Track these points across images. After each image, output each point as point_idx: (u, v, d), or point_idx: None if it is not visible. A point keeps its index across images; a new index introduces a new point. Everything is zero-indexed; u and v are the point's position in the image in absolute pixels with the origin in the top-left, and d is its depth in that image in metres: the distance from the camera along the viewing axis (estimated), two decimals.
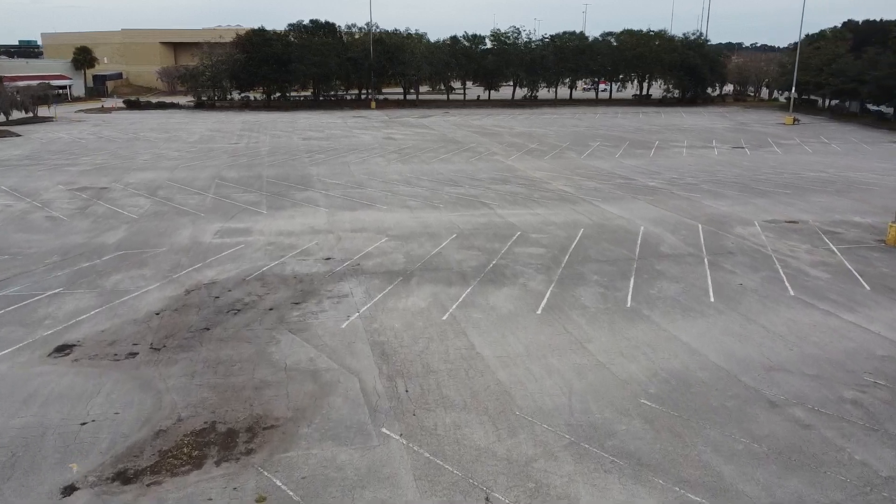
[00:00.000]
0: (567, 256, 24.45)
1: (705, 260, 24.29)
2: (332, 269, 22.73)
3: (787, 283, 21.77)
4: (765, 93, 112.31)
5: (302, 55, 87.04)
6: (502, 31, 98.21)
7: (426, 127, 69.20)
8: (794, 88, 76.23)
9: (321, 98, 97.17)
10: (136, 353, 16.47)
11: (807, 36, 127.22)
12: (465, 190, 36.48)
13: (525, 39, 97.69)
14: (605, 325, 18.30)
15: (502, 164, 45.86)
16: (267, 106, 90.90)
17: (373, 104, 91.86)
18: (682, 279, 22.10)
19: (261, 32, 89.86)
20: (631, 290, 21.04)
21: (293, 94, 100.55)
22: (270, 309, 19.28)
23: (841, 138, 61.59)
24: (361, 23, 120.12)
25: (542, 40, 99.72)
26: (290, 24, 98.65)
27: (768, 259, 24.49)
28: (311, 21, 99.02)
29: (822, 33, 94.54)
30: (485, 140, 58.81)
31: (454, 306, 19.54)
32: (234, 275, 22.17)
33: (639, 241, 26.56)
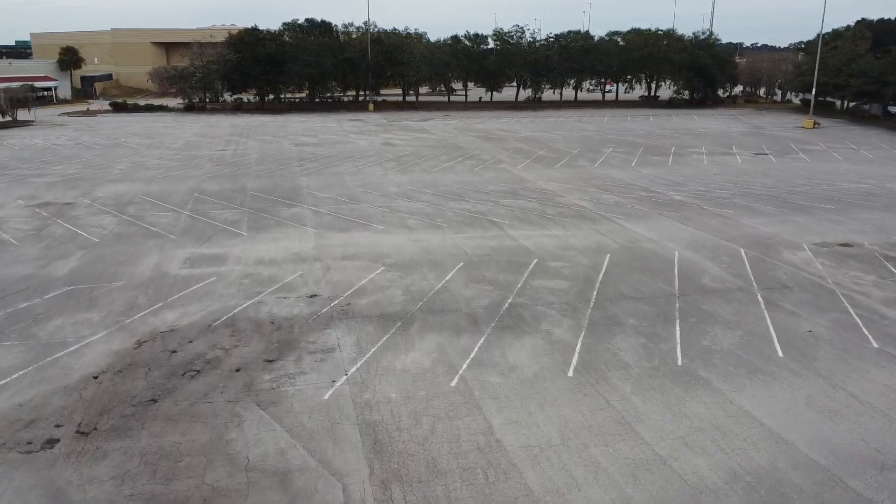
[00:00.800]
0: (595, 292, 20.72)
1: (759, 296, 20.56)
2: (318, 311, 18.99)
3: (865, 331, 18.04)
4: (775, 94, 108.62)
5: (296, 55, 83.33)
6: (505, 30, 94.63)
7: (426, 131, 65.46)
8: (814, 90, 72.48)
9: (317, 100, 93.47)
10: (57, 441, 12.73)
11: (818, 35, 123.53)
12: (471, 205, 32.73)
13: (529, 39, 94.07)
14: (655, 394, 14.56)
15: (510, 173, 42.12)
16: (260, 108, 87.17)
17: (370, 106, 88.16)
18: (737, 324, 18.37)
19: (253, 32, 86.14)
20: (679, 340, 17.32)
21: (287, 95, 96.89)
22: (237, 370, 15.54)
23: (868, 143, 57.89)
24: (359, 22, 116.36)
25: (546, 40, 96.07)
26: (284, 24, 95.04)
27: (832, 295, 20.76)
28: (307, 20, 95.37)
29: (835, 32, 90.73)
30: (489, 146, 55.08)
31: (465, 365, 15.81)
32: (198, 318, 18.44)
33: (676, 271, 22.83)
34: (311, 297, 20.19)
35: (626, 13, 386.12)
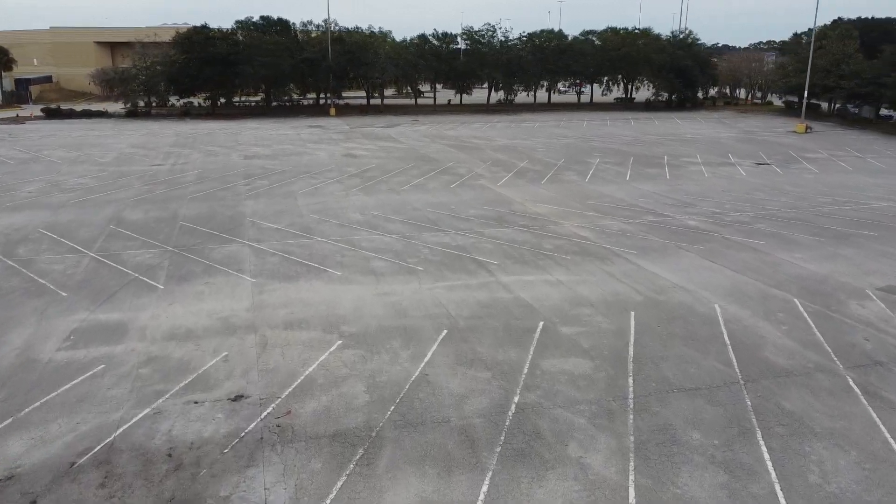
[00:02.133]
0: (631, 379, 15.13)
1: (850, 381, 15.19)
2: (241, 430, 13.03)
3: None
4: (757, 96, 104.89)
5: (251, 56, 76.57)
6: (475, 29, 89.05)
7: (393, 139, 59.49)
8: (805, 93, 68.30)
9: (274, 104, 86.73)
10: None
11: (795, 34, 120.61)
12: (450, 238, 26.95)
13: (501, 38, 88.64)
14: None
15: (491, 192, 36.45)
16: (211, 114, 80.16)
17: (332, 111, 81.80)
18: (843, 436, 12.94)
19: (202, 30, 79.08)
20: (774, 474, 11.78)
21: (242, 99, 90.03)
22: None
23: (871, 150, 53.63)
24: (319, 20, 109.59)
25: (519, 39, 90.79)
26: (237, 22, 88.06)
27: None
28: (262, 18, 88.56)
29: (822, 30, 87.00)
30: (464, 157, 49.37)
31: None
32: (58, 451, 12.34)
33: (727, 338, 17.36)
34: (235, 399, 14.19)
35: (593, 13, 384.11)
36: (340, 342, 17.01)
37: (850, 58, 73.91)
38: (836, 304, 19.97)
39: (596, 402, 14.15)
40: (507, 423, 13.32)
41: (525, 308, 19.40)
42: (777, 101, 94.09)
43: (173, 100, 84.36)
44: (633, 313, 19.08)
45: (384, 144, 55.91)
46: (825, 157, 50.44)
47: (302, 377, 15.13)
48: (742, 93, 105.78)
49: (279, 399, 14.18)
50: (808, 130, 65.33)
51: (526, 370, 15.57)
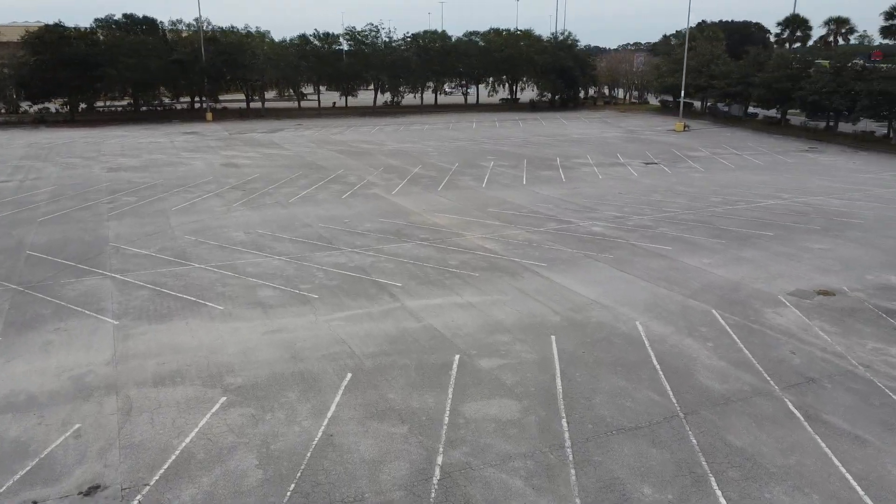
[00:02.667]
0: (565, 422, 13.47)
1: (789, 404, 14.27)
2: None
3: None
4: (635, 96, 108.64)
5: (113, 57, 70.10)
6: (358, 29, 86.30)
7: (277, 145, 55.88)
8: (682, 93, 70.74)
9: (144, 108, 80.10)
10: None
11: (664, 36, 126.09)
12: (347, 257, 24.54)
13: (385, 39, 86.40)
14: None
15: (387, 202, 34.24)
16: (70, 121, 72.81)
17: (209, 115, 76.50)
18: (799, 475, 11.82)
19: (56, 29, 71.59)
20: None
21: (108, 103, 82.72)
22: None
23: (747, 147, 55.90)
24: (189, 19, 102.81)
25: (403, 40, 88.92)
26: (97, 20, 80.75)
27: (876, 390, 14.94)
28: (125, 16, 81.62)
29: (679, 34, 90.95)
30: (354, 163, 46.83)
31: None
32: None
33: (656, 363, 16.13)
34: (89, 493, 11.25)
35: (472, 13, 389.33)
36: (224, 399, 14.29)
37: (718, 58, 77.47)
38: (753, 314, 19.34)
39: (531, 456, 12.34)
40: (433, 496, 11.23)
41: (437, 339, 17.40)
42: (654, 101, 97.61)
43: (25, 106, 76.09)
44: (553, 338, 17.53)
45: (268, 151, 52.30)
46: (707, 155, 51.94)
47: (177, 452, 12.35)
48: (620, 92, 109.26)
49: (147, 487, 11.37)
50: (686, 129, 67.65)
51: (447, 420, 13.54)
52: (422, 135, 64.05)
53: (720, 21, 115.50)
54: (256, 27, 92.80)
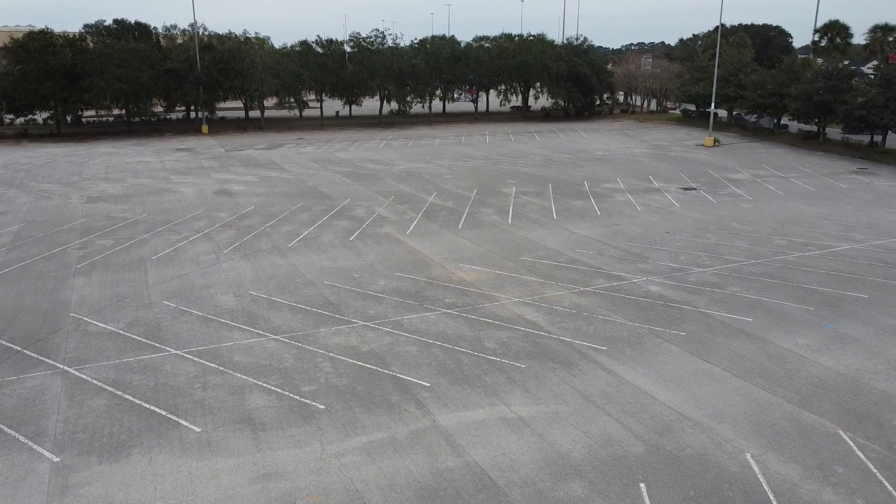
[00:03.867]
0: None
1: None
2: None
3: None
4: (661, 104, 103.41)
5: (102, 66, 65.52)
6: (363, 35, 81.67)
7: (276, 166, 51.26)
8: (713, 105, 65.93)
9: (136, 120, 75.41)
10: None
11: (682, 41, 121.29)
12: (358, 336, 19.92)
13: (391, 44, 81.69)
14: None
15: (402, 246, 29.63)
16: (56, 134, 68.24)
17: (204, 128, 71.89)
18: None
19: (40, 37, 66.99)
20: None
21: (98, 115, 78.14)
22: None
23: (790, 168, 51.17)
24: (184, 24, 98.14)
25: (411, 46, 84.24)
26: (86, 26, 76.16)
27: None
28: (116, 21, 77.00)
29: (696, 38, 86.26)
30: (362, 190, 42.24)
31: None
32: None
33: None
34: None
35: (475, 14, 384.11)
36: None
37: (746, 66, 72.80)
38: (894, 436, 14.73)
39: None
40: None
41: (487, 490, 12.79)
42: (676, 111, 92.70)
43: (9, 118, 71.55)
44: (643, 487, 12.92)
45: (266, 174, 47.68)
46: (749, 178, 47.24)
47: None
48: (637, 99, 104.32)
49: None
50: (717, 144, 62.97)
51: None
52: (433, 151, 59.38)
53: (739, 24, 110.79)
54: (256, 33, 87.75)
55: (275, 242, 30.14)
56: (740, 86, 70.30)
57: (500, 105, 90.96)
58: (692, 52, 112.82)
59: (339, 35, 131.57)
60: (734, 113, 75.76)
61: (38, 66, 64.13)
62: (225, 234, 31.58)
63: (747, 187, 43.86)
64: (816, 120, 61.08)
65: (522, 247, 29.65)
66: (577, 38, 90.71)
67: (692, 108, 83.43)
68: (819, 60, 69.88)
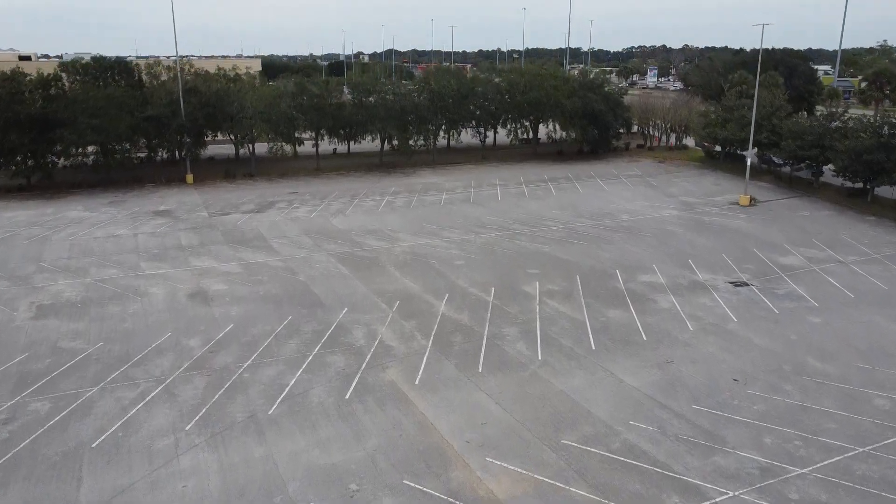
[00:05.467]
0: None
1: None
2: None
3: None
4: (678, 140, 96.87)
5: (75, 115, 59.51)
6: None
7: (264, 243, 45.20)
8: (749, 159, 59.68)
9: (114, 161, 68.00)
10: None
11: (696, 66, 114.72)
12: None
13: (391, 88, 75.42)
14: None
15: (410, 416, 23.63)
16: (27, 187, 62.06)
17: (189, 178, 65.81)
18: None
19: (8, 82, 60.64)
20: None
21: (72, 159, 71.69)
22: None
23: (848, 246, 45.06)
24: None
25: (414, 83, 78.24)
26: (62, 64, 70.16)
27: None
28: (94, 59, 71.05)
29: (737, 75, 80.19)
30: (361, 288, 36.27)
31: None
32: None
33: None
34: None
35: (478, 24, 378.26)
36: None
37: (780, 109, 66.88)
38: None
39: None
40: None
41: None
42: (693, 145, 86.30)
43: None
44: None
45: (252, 259, 41.69)
46: (803, 264, 41.26)
47: None
48: (652, 128, 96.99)
49: None
50: (753, 203, 57.02)
51: None
52: (439, 214, 53.31)
53: (752, 49, 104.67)
54: (247, 69, 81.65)
55: (252, 406, 24.16)
56: (774, 131, 64.38)
57: (510, 144, 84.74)
58: (709, 76, 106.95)
59: (338, 45, 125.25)
60: (768, 157, 69.32)
61: (3, 116, 58.04)
62: (192, 385, 25.61)
63: (807, 283, 37.90)
64: (867, 181, 55.10)
65: (561, 414, 23.68)
66: (591, 72, 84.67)
67: (717, 149, 77.22)
68: (867, 114, 63.81)
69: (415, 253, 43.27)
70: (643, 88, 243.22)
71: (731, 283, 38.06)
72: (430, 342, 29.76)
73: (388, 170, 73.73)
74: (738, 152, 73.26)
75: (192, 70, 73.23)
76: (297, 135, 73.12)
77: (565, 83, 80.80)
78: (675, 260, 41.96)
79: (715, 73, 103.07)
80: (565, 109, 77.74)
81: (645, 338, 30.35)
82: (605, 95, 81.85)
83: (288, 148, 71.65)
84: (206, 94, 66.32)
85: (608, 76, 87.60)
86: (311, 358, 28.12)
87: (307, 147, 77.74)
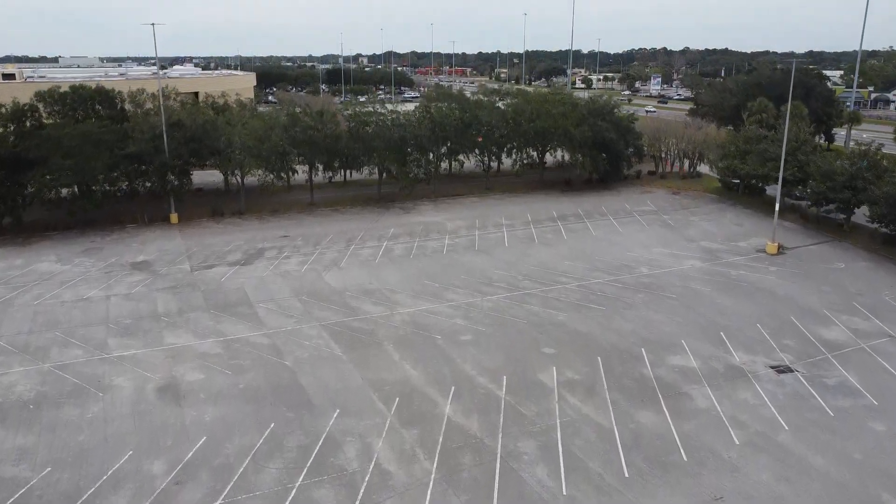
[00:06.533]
0: None
1: None
2: None
3: None
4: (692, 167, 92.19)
5: (48, 152, 55.17)
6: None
7: (249, 310, 40.82)
8: (777, 207, 55.10)
9: (91, 203, 63.43)
10: None
11: (708, 85, 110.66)
12: None
13: (390, 116, 70.94)
14: None
15: None
16: None
17: (174, 217, 61.44)
18: None
19: None
20: None
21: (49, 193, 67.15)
22: None
23: (891, 312, 40.80)
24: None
25: (415, 114, 73.80)
26: (38, 94, 65.73)
27: None
28: (73, 89, 66.66)
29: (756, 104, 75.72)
30: (354, 380, 31.92)
31: None
32: None
33: None
34: None
35: (473, 24, 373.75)
36: None
37: (806, 143, 62.60)
38: None
39: None
40: None
41: None
42: (709, 171, 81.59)
43: None
44: None
45: (233, 334, 37.33)
46: (849, 340, 36.90)
47: None
48: (664, 150, 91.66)
49: None
50: (781, 250, 52.71)
51: None
52: (442, 268, 48.94)
53: (749, 69, 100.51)
54: (237, 95, 77.17)
55: None
56: (801, 167, 60.08)
57: (515, 172, 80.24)
58: (721, 97, 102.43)
59: (337, 43, 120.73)
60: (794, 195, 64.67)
61: None
62: None
63: (857, 368, 33.58)
64: None
65: None
66: (600, 97, 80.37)
67: (736, 181, 72.62)
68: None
69: (415, 323, 38.94)
70: (647, 97, 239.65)
71: (772, 367, 33.77)
72: (435, 465, 25.42)
73: (386, 204, 69.38)
74: (762, 186, 68.84)
75: (178, 98, 68.84)
76: (289, 168, 68.73)
77: (573, 109, 76.37)
78: (706, 333, 37.67)
79: (728, 94, 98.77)
80: (574, 139, 73.39)
81: (685, 458, 26.03)
82: (616, 122, 77.54)
83: (280, 182, 67.10)
84: (192, 127, 61.85)
85: (615, 99, 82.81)
86: (294, 492, 23.76)
87: (301, 175, 73.04)
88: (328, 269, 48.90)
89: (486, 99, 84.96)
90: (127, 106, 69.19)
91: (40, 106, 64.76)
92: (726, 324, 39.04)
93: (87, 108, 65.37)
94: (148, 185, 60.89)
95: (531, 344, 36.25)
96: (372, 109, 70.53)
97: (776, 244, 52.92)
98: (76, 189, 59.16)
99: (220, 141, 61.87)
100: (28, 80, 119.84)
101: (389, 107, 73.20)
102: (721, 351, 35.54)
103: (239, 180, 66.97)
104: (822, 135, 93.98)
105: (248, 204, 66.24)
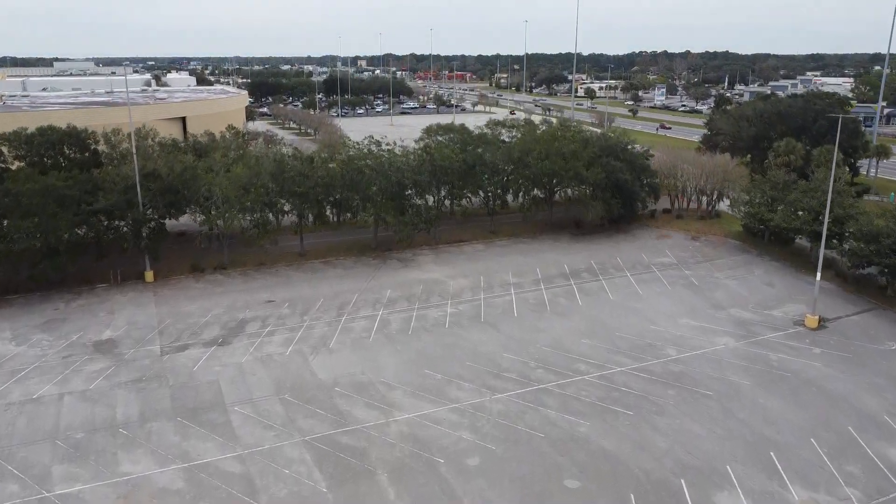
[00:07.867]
0: None
1: None
2: None
3: None
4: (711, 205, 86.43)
5: (6, 210, 49.69)
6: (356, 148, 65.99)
7: (222, 417, 35.31)
8: (818, 276, 49.43)
9: (53, 267, 57.28)
10: None
11: (724, 110, 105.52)
12: None
13: (386, 157, 65.36)
14: None
15: None
16: None
17: (149, 275, 55.87)
18: None
19: None
20: None
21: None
22: None
23: None
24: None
25: (415, 152, 68.35)
26: (1, 135, 60.24)
27: None
28: (41, 131, 61.12)
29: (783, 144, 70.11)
30: None
31: None
32: None
33: None
34: None
35: (474, 25, 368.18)
36: None
37: (842, 193, 57.16)
38: None
39: None
40: None
41: None
42: (731, 211, 75.84)
43: None
44: None
45: (200, 462, 31.78)
46: None
47: None
48: (680, 185, 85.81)
49: None
50: (822, 323, 47.29)
51: None
52: (444, 350, 43.46)
53: (789, 93, 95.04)
54: (226, 128, 71.40)
55: None
56: (837, 220, 54.62)
57: (525, 219, 74.41)
58: (739, 125, 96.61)
59: (337, 43, 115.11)
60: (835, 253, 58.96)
61: None
62: None
63: None
64: None
65: None
66: (612, 132, 74.89)
67: (762, 228, 66.94)
68: None
69: (414, 438, 33.44)
70: (651, 108, 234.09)
71: None
72: None
73: (382, 254, 63.80)
74: (791, 236, 63.15)
75: (156, 141, 63.37)
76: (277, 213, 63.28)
77: (584, 147, 70.80)
78: (755, 454, 32.21)
79: (745, 122, 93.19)
80: (586, 180, 67.93)
81: None
82: (631, 160, 72.14)
83: (265, 240, 61.04)
84: (169, 177, 56.32)
85: (625, 137, 77.06)
86: None
87: (292, 216, 67.14)
88: (316, 351, 43.40)
89: (489, 133, 79.53)
90: (101, 147, 63.66)
91: (4, 150, 59.42)
92: (776, 438, 33.59)
93: (55, 153, 59.84)
94: (122, 244, 55.13)
95: (551, 472, 30.77)
96: (367, 151, 64.83)
97: (816, 317, 47.46)
98: (38, 245, 53.63)
99: (200, 192, 56.32)
100: (8, 100, 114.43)
101: (386, 147, 67.39)
102: (775, 483, 30.09)
103: (221, 231, 61.31)
104: (847, 167, 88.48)
105: (232, 255, 60.57)
